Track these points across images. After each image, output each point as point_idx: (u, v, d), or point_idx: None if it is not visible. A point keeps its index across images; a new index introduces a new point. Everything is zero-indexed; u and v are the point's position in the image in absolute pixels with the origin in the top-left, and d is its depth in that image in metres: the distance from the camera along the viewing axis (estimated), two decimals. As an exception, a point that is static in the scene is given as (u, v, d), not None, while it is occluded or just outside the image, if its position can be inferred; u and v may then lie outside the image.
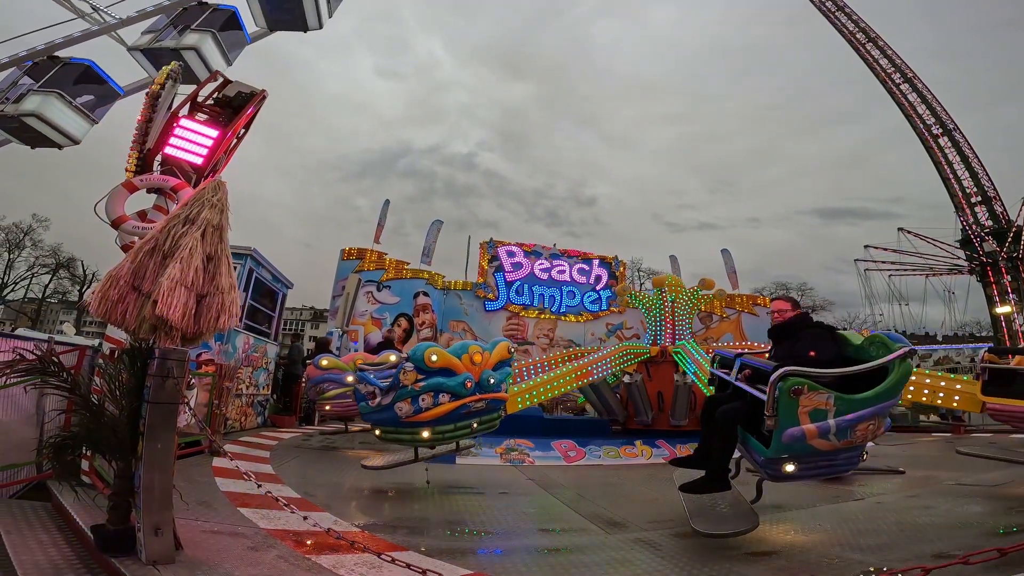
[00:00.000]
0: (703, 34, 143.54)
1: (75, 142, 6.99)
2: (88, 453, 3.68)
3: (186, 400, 2.85)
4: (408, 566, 2.67)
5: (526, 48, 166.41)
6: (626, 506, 4.90)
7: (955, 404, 6.41)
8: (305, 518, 3.18)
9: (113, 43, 8.01)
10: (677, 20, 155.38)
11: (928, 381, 6.69)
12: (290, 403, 11.20)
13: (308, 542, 3.21)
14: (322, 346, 11.06)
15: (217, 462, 5.46)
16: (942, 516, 4.33)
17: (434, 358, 5.25)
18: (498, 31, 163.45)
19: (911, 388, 6.70)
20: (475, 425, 5.61)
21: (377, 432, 5.55)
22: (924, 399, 6.86)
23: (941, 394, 6.51)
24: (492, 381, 5.62)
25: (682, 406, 9.04)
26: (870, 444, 10.21)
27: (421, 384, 5.15)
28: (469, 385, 5.36)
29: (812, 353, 3.55)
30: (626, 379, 8.99)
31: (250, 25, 8.25)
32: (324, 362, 8.89)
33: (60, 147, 6.97)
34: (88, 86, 7.19)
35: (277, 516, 3.72)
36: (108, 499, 2.77)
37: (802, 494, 5.58)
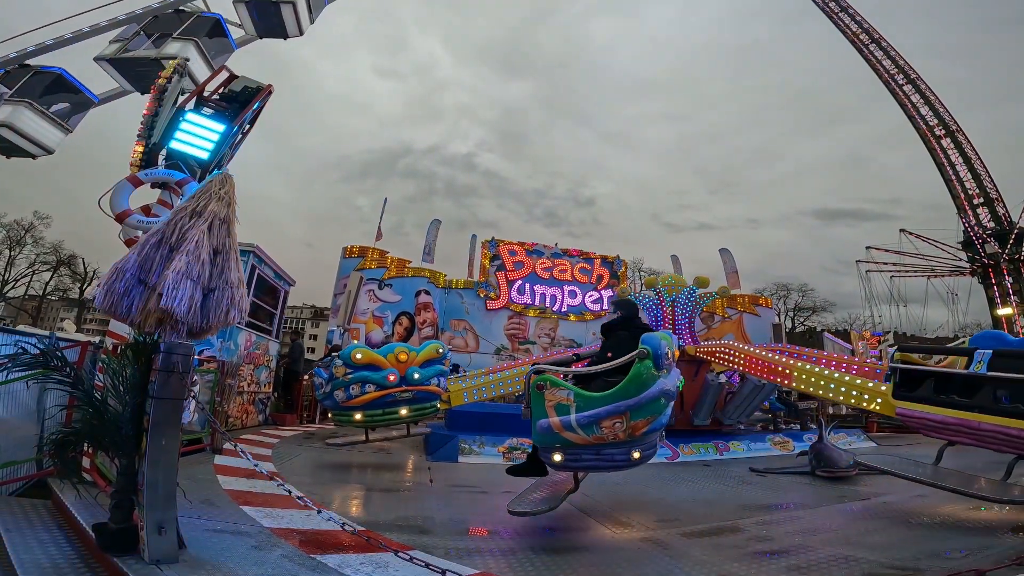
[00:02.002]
0: (701, 33, 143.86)
1: (49, 152, 6.78)
2: (89, 450, 3.65)
3: (193, 395, 2.81)
4: (415, 563, 2.63)
5: (524, 47, 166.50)
6: (632, 505, 4.87)
7: (877, 407, 5.61)
8: (309, 516, 3.15)
9: (84, 51, 7.60)
10: (675, 18, 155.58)
11: (859, 381, 6.02)
12: (292, 401, 11.18)
13: (313, 541, 3.16)
14: (335, 350, 11.39)
15: (219, 460, 5.43)
16: (949, 515, 4.30)
17: (359, 356, 6.61)
18: (496, 30, 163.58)
19: (841, 388, 6.21)
20: (404, 412, 6.75)
21: (329, 415, 7.01)
22: (853, 400, 6.37)
23: (866, 396, 5.81)
24: (417, 376, 6.71)
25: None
26: (871, 444, 10.08)
27: (349, 376, 6.43)
28: (392, 379, 6.53)
29: (609, 354, 3.78)
30: None
31: (236, 32, 8.09)
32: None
33: (34, 157, 6.82)
34: (61, 95, 6.92)
35: (281, 514, 3.68)
36: (110, 497, 2.72)
37: (809, 494, 5.55)
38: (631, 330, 4.02)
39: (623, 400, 3.39)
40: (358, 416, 6.65)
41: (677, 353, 3.99)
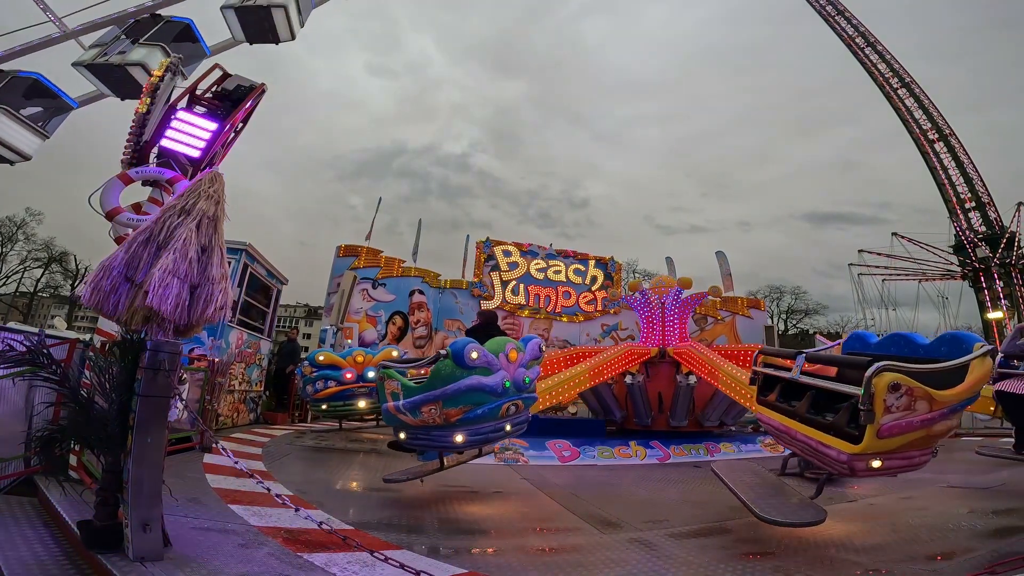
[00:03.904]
0: (696, 34, 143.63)
1: (26, 158, 6.53)
2: (76, 448, 3.63)
3: (178, 393, 2.81)
4: (402, 565, 2.64)
5: (518, 46, 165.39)
6: (620, 506, 4.89)
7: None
8: (297, 515, 3.14)
9: (71, 52, 7.36)
10: (669, 19, 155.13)
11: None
12: (285, 400, 11.13)
13: (300, 539, 3.17)
14: None
15: (208, 459, 5.41)
16: (935, 518, 4.34)
17: (321, 358, 8.54)
18: (489, 28, 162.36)
19: (742, 390, 6.21)
20: (362, 404, 8.48)
21: (308, 406, 9.22)
22: (747, 404, 6.09)
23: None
24: (372, 375, 8.21)
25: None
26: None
27: (315, 374, 8.36)
28: (350, 377, 8.33)
29: None
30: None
31: (223, 36, 7.97)
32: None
33: (11, 163, 6.64)
34: (38, 100, 6.66)
35: (268, 513, 3.67)
36: (96, 494, 2.72)
37: (796, 496, 5.59)
38: (480, 335, 4.61)
39: (430, 391, 4.09)
40: (324, 406, 8.35)
41: (514, 355, 4.46)
